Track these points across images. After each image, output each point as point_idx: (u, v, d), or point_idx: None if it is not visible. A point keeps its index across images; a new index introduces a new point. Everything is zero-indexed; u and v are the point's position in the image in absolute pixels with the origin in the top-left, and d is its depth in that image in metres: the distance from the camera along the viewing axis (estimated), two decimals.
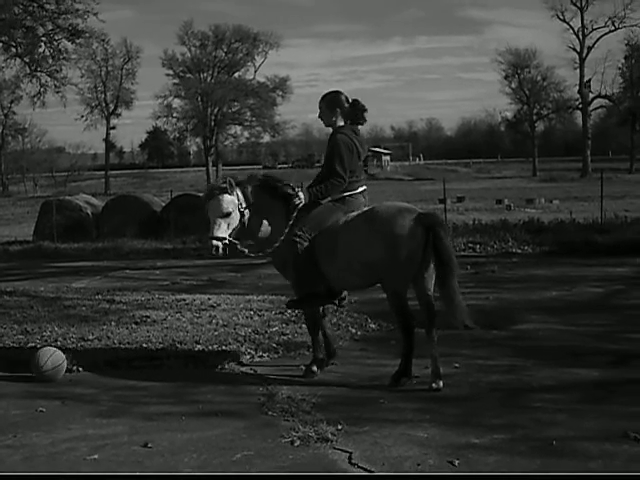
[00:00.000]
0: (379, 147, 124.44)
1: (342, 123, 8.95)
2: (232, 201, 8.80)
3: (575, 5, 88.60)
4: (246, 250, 9.01)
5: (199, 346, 10.19)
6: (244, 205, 8.88)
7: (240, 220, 8.86)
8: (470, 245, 21.74)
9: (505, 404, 7.72)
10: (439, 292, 8.42)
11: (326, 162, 8.85)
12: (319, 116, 9.13)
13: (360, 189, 8.95)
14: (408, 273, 8.35)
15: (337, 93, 9.14)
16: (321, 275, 8.74)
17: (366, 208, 8.77)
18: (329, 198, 8.82)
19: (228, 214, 8.76)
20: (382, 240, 8.22)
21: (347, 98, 9.04)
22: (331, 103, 9.02)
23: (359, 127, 9.09)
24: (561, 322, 11.42)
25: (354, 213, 8.72)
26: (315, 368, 8.98)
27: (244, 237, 9.13)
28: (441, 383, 8.24)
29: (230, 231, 8.81)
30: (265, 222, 9.03)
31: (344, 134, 8.82)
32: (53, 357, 9.19)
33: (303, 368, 9.05)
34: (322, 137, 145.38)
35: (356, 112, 8.98)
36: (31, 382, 9.08)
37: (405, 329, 8.51)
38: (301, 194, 8.88)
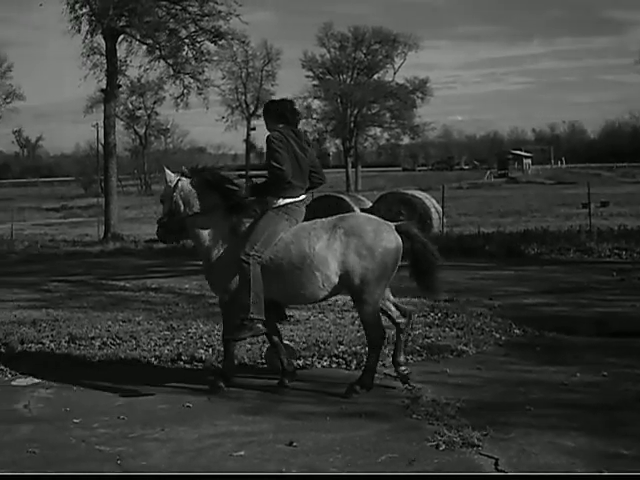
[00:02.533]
0: (520, 150, 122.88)
1: (281, 126, 8.66)
2: (168, 190, 8.97)
3: None
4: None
5: (342, 347, 10.22)
6: (179, 198, 8.86)
7: (169, 211, 8.91)
8: (615, 251, 21.26)
9: None
10: (422, 281, 8.74)
11: (266, 163, 8.62)
12: None
13: (302, 197, 8.72)
14: (387, 283, 8.52)
15: (269, 102, 9.10)
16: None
17: (330, 219, 8.56)
18: (272, 206, 8.55)
19: (162, 202, 9.06)
20: (373, 253, 8.23)
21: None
22: (263, 112, 8.93)
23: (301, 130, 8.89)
24: None
25: (310, 223, 8.60)
26: (222, 383, 8.73)
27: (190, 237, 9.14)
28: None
29: (164, 218, 8.99)
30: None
31: (276, 131, 8.52)
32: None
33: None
34: (462, 139, 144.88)
35: (281, 111, 8.70)
36: (177, 377, 9.27)
37: (377, 342, 8.51)
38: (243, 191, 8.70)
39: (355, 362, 9.58)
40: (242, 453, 6.74)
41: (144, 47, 37.18)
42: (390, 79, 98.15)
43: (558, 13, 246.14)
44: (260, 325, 8.39)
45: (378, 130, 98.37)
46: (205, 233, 8.76)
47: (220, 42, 37.51)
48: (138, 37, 36.65)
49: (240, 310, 8.40)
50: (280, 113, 8.70)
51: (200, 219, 8.79)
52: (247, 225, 8.68)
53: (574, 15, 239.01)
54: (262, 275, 8.32)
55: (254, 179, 9.12)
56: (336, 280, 8.33)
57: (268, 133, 8.57)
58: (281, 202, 8.53)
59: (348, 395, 8.29)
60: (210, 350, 10.20)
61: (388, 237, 8.33)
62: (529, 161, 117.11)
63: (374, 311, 8.41)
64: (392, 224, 8.61)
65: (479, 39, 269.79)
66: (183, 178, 8.95)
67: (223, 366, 8.96)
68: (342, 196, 33.19)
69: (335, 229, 8.34)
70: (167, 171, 9.04)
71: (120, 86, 39.13)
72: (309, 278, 8.32)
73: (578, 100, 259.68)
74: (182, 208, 8.86)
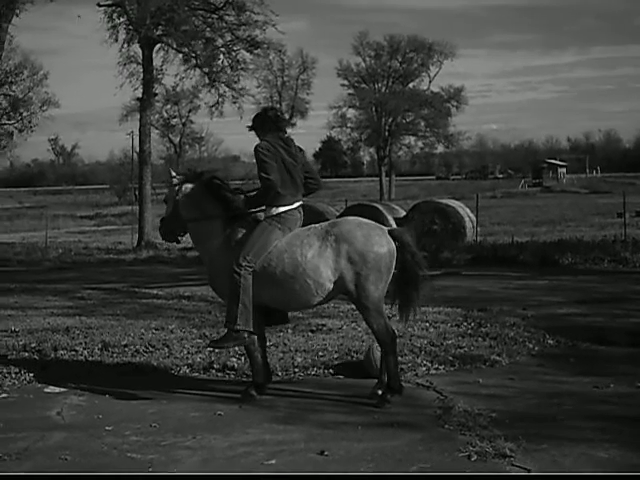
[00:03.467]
0: (555, 159, 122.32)
1: (270, 135, 8.66)
2: (171, 192, 9.18)
3: None
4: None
5: None
6: (180, 201, 9.05)
7: (172, 212, 9.15)
8: None
9: None
10: (404, 296, 8.68)
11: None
12: None
13: (296, 204, 8.68)
14: (385, 289, 8.46)
15: (253, 116, 9.01)
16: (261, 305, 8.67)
17: (323, 225, 8.63)
18: (263, 215, 8.63)
19: (165, 202, 9.33)
20: (364, 258, 8.23)
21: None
22: (252, 127, 8.85)
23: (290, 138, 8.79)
24: None
25: (303, 230, 8.61)
26: (254, 392, 8.77)
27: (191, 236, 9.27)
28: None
29: (166, 218, 9.29)
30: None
31: (265, 141, 8.54)
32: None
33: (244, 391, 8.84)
34: (497, 148, 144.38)
35: (265, 120, 8.72)
36: (209, 386, 9.28)
37: (389, 344, 8.43)
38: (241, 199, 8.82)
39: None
40: (273, 462, 6.72)
41: (180, 56, 37.37)
42: (425, 88, 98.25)
43: (593, 22, 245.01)
44: (245, 335, 8.47)
45: (412, 139, 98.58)
46: (204, 239, 8.90)
47: (256, 51, 37.65)
48: (174, 46, 36.82)
49: (227, 319, 8.51)
50: (265, 123, 8.71)
51: (199, 225, 8.94)
52: (242, 234, 8.66)
53: (609, 23, 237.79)
54: (256, 282, 8.40)
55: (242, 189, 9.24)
56: (330, 287, 8.37)
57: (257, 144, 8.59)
58: (274, 211, 8.56)
59: (380, 405, 8.26)
60: (242, 359, 10.18)
61: (379, 241, 8.33)
62: (564, 170, 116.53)
63: (378, 315, 8.39)
64: (385, 228, 8.62)
65: (514, 48, 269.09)
66: (186, 182, 9.11)
67: (252, 374, 8.96)
68: (376, 205, 33.16)
69: (327, 236, 8.38)
70: (172, 173, 9.25)
71: (156, 94, 39.29)
72: (302, 286, 8.35)
73: (613, 109, 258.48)
74: (183, 211, 9.03)
